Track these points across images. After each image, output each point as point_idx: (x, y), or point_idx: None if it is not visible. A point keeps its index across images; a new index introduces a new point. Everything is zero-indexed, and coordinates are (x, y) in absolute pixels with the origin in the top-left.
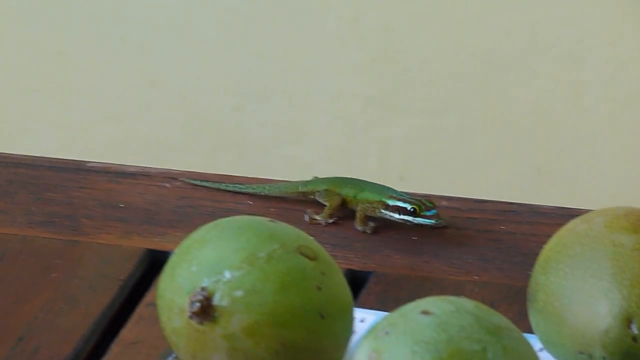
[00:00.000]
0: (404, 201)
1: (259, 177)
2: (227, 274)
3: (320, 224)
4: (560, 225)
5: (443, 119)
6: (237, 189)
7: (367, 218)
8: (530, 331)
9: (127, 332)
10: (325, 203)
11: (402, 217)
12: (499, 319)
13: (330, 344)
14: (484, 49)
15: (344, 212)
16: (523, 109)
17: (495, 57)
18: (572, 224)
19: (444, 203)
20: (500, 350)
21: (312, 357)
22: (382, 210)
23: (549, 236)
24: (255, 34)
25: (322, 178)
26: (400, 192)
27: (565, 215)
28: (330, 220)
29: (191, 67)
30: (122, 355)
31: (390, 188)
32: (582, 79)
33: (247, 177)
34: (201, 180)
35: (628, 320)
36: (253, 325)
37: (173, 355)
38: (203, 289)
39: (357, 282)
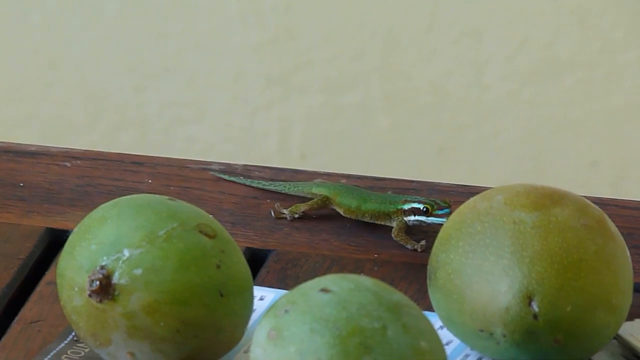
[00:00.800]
0: (418, 202)
1: (159, 155)
2: (127, 253)
3: (285, 217)
4: (460, 203)
5: (344, 97)
6: (260, 186)
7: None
8: (431, 309)
9: (28, 311)
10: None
11: (417, 217)
12: (399, 296)
13: (229, 321)
14: (385, 28)
15: (321, 212)
16: (424, 88)
17: (396, 36)
18: (473, 202)
19: (344, 181)
20: (400, 328)
21: (212, 335)
22: (405, 219)
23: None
24: (156, 13)
25: (327, 183)
26: (405, 196)
27: (465, 192)
28: (296, 216)
29: (92, 47)
30: (22, 334)
31: (392, 195)
32: (482, 58)
33: (144, 155)
34: (229, 175)
35: (529, 298)
36: (152, 304)
37: (73, 334)
38: (102, 267)
39: (256, 260)
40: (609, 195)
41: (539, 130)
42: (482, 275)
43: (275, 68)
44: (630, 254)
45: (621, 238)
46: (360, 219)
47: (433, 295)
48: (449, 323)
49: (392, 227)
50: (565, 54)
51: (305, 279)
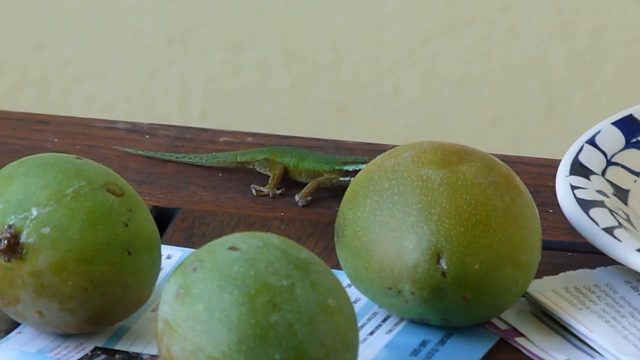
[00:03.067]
0: (363, 163)
1: (61, 114)
2: (34, 211)
3: (267, 195)
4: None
5: (244, 55)
6: (176, 159)
7: (317, 190)
8: (338, 267)
9: None
10: (267, 173)
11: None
12: (307, 254)
13: (137, 279)
14: None
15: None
16: (324, 46)
17: None
18: (380, 159)
19: (249, 139)
20: (308, 286)
21: (120, 293)
22: (341, 179)
23: None
24: None
25: (261, 148)
26: (341, 156)
27: (371, 150)
28: (278, 192)
29: None
30: None
31: (329, 155)
32: (382, 15)
33: (50, 114)
34: (148, 151)
35: (437, 255)
36: (60, 262)
37: None
38: (10, 226)
39: (163, 218)
40: (509, 153)
41: (439, 88)
42: (390, 232)
43: (174, 26)
44: (538, 211)
45: (529, 195)
46: (297, 178)
47: (340, 253)
48: (356, 281)
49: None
50: (465, 11)
51: (212, 238)
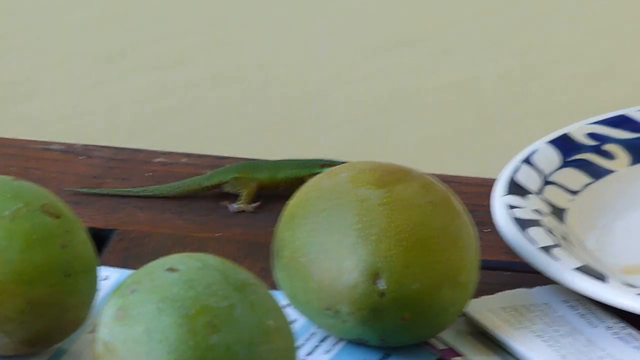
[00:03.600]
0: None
1: None
2: None
3: (245, 211)
4: None
5: (172, 75)
6: (136, 193)
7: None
8: (276, 288)
9: None
10: (238, 192)
11: None
12: (245, 275)
13: (75, 301)
14: (214, 5)
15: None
16: (252, 66)
17: (224, 13)
18: (317, 179)
19: (184, 160)
20: (247, 307)
21: (57, 315)
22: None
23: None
24: None
25: (229, 166)
26: (317, 158)
27: None
28: (255, 205)
29: None
30: None
31: (301, 159)
32: (310, 35)
33: None
34: (107, 189)
35: (375, 276)
36: None
37: None
38: None
39: (100, 239)
40: (440, 172)
41: (369, 108)
42: (328, 253)
43: (104, 47)
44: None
45: (466, 215)
46: (275, 191)
47: (278, 274)
48: (294, 301)
49: None
50: (396, 31)
51: (149, 259)
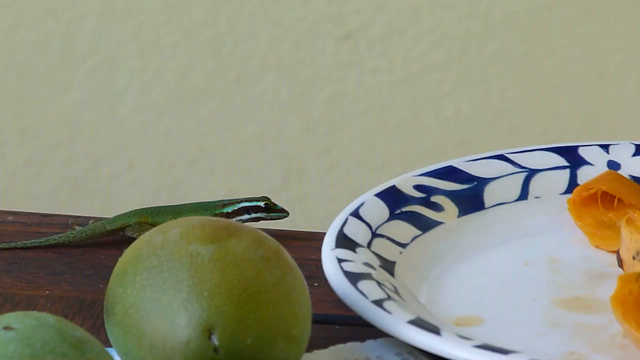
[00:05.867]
0: (248, 200)
1: None
2: None
3: None
4: None
5: None
6: (39, 244)
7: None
8: (108, 344)
9: None
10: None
11: (254, 215)
12: (81, 332)
13: None
14: (16, 62)
15: None
16: (58, 121)
17: (28, 70)
18: (148, 236)
19: (10, 218)
20: None
21: None
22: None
23: (118, 249)
24: None
25: (130, 212)
26: (217, 200)
27: None
28: None
29: None
30: None
31: (202, 202)
32: (116, 89)
33: None
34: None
35: (208, 331)
36: None
37: None
38: None
39: None
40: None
41: (174, 163)
42: (161, 309)
43: None
44: None
45: (298, 269)
46: None
47: (111, 330)
48: (128, 358)
49: None
50: (199, 83)
51: None
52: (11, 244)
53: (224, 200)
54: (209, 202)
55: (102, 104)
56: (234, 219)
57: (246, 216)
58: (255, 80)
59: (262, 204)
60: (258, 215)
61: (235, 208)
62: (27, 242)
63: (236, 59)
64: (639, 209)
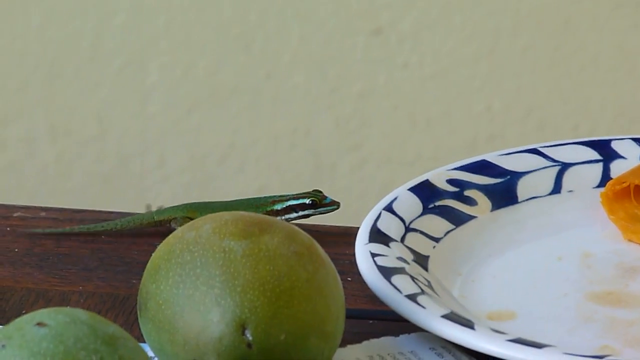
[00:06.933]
0: (295, 198)
1: None
2: None
3: None
4: None
5: (9, 130)
6: (87, 230)
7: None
8: (141, 340)
9: None
10: None
11: (302, 213)
12: (114, 328)
13: None
14: (48, 59)
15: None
16: (88, 119)
17: (59, 67)
18: (180, 231)
19: (43, 214)
20: None
21: None
22: (283, 218)
23: (151, 245)
24: None
25: (180, 205)
26: (267, 196)
27: None
28: None
29: None
30: None
31: (252, 198)
32: (146, 86)
33: None
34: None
35: (242, 327)
36: None
37: None
38: None
39: None
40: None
41: (205, 158)
42: (194, 305)
43: None
44: None
45: (331, 264)
46: None
47: (144, 327)
48: (161, 354)
49: None
50: (229, 80)
51: (12, 314)
52: (59, 229)
53: (274, 196)
54: (259, 199)
55: (132, 101)
56: (283, 217)
57: (294, 214)
58: (285, 76)
59: (308, 200)
60: (306, 212)
61: (284, 206)
62: (75, 227)
63: (266, 55)
64: None
